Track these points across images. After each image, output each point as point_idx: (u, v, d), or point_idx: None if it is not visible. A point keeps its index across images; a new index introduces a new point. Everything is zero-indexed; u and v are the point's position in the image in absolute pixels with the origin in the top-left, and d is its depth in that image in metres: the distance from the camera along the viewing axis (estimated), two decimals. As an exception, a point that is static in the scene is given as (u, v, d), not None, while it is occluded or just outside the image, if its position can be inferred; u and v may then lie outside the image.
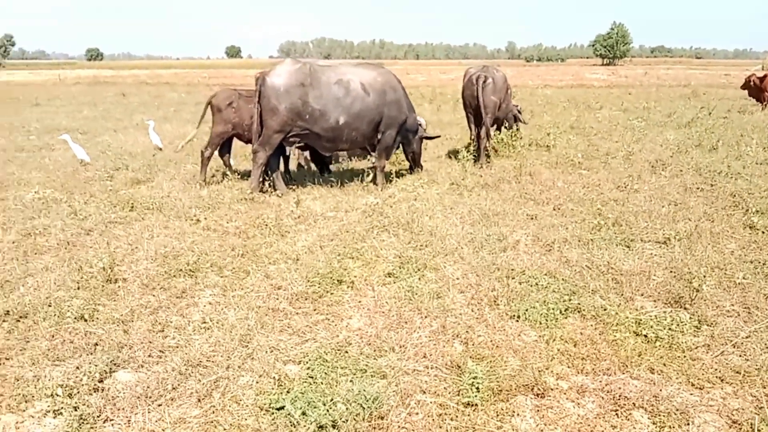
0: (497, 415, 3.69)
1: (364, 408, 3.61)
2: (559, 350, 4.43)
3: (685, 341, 4.54)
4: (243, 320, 4.84)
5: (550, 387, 3.98)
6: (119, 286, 5.58)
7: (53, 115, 20.64)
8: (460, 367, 4.15)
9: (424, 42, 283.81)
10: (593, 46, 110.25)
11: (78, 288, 5.48)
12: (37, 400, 3.79)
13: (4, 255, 6.34)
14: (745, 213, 7.62)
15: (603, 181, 9.51)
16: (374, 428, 3.54)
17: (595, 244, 6.57)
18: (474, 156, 11.20)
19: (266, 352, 4.38)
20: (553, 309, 4.97)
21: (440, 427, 3.57)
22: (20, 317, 4.89)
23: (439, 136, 10.77)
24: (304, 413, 3.55)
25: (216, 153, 10.02)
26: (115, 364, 4.19)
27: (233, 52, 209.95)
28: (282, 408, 3.62)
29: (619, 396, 3.88)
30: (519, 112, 13.30)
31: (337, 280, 5.58)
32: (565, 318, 4.94)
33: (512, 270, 5.81)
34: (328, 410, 3.57)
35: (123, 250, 6.53)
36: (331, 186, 9.44)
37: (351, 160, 11.97)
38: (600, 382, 4.06)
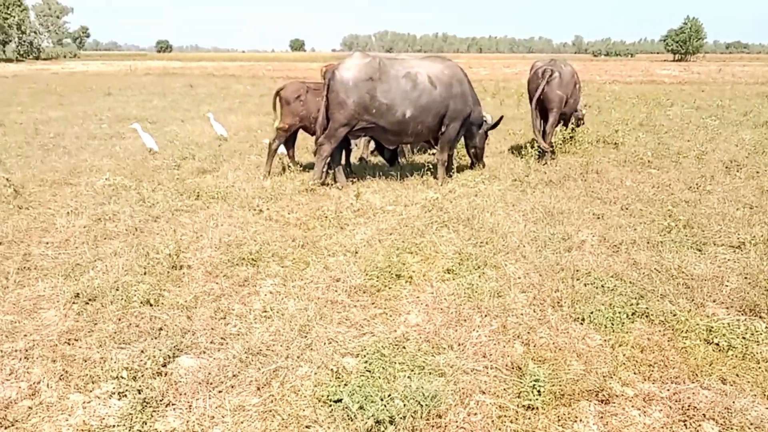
0: (558, 420, 3.57)
1: (422, 405, 3.56)
2: (625, 356, 4.27)
3: (761, 351, 4.30)
4: (302, 311, 4.86)
5: (615, 393, 3.83)
6: (184, 273, 5.71)
7: (124, 105, 21.40)
8: (521, 368, 4.04)
9: (487, 35, 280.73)
10: (664, 41, 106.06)
11: (144, 273, 5.63)
12: (103, 381, 3.90)
13: (76, 239, 6.58)
14: (829, 218, 7.17)
15: (674, 181, 9.13)
16: (432, 427, 3.48)
17: (665, 246, 6.32)
18: (538, 152, 10.95)
19: (325, 343, 4.38)
20: (619, 313, 4.79)
21: (499, 429, 3.49)
22: (89, 300, 5.05)
23: (501, 117, 10.48)
24: (361, 407, 3.53)
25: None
26: (178, 350, 4.28)
27: (297, 46, 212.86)
28: (339, 401, 3.61)
29: (689, 406, 3.70)
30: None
31: (396, 275, 5.54)
32: (632, 323, 4.75)
33: (577, 271, 5.63)
34: (385, 405, 3.54)
35: (188, 238, 6.68)
36: (391, 179, 9.40)
37: (413, 153, 11.90)
38: (668, 390, 3.89)
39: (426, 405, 3.57)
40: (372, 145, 10.99)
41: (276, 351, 4.27)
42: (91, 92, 27.25)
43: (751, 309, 4.94)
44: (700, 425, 3.55)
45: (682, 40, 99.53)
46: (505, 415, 3.60)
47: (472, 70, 45.70)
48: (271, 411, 3.63)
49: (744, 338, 4.45)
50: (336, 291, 5.31)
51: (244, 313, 4.89)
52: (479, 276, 5.58)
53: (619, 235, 6.63)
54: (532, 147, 10.60)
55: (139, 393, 3.72)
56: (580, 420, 3.59)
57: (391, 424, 3.46)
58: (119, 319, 4.76)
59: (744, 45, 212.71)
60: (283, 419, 3.56)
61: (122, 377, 3.85)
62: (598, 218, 7.35)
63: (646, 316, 4.83)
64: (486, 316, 4.84)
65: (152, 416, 3.57)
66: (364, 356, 4.17)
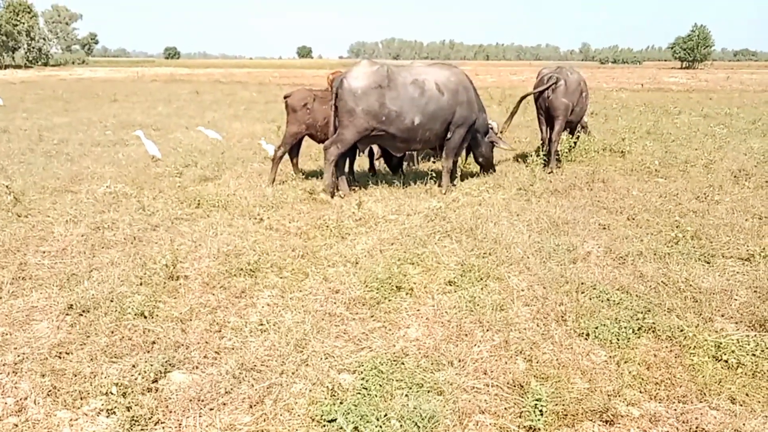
0: (561, 442, 3.44)
1: (419, 427, 3.43)
2: (630, 373, 4.13)
3: (772, 369, 4.15)
4: (299, 324, 4.75)
5: (620, 414, 3.69)
6: (180, 284, 5.61)
7: (129, 111, 21.40)
8: (522, 386, 3.91)
9: (494, 43, 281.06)
10: (672, 48, 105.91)
11: (140, 284, 5.53)
12: (92, 397, 3.80)
13: (73, 248, 6.49)
14: (841, 230, 7.01)
15: (681, 191, 8.98)
16: (429, 448, 3.36)
17: (672, 258, 6.17)
18: (544, 160, 10.83)
19: (321, 358, 4.26)
20: (625, 328, 4.65)
21: (499, 452, 3.36)
22: (83, 311, 4.95)
23: (513, 149, 10.57)
24: (356, 428, 3.41)
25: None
26: (170, 364, 4.17)
27: (304, 53, 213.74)
28: (334, 420, 3.49)
29: (696, 427, 3.57)
30: None
31: (396, 287, 5.42)
32: (638, 338, 4.61)
33: (582, 283, 5.49)
34: (381, 426, 3.42)
35: (187, 247, 6.58)
36: (394, 187, 9.28)
37: (418, 162, 11.78)
38: (675, 410, 3.75)
39: (423, 426, 3.44)
40: (377, 151, 10.88)
41: (271, 366, 4.15)
42: (97, 98, 27.29)
43: (761, 324, 4.79)
44: (709, 448, 3.40)
45: (689, 47, 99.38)
46: (505, 437, 3.47)
47: (478, 77, 45.69)
48: (263, 431, 3.51)
49: (754, 355, 4.30)
50: (335, 303, 5.19)
51: (239, 326, 4.77)
52: (482, 288, 5.45)
53: (625, 247, 6.49)
54: (538, 155, 10.47)
55: (128, 410, 3.61)
56: (584, 442, 3.46)
57: (387, 445, 3.34)
58: (112, 332, 4.66)
59: (752, 53, 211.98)
60: (275, 439, 3.44)
61: (111, 393, 3.74)
62: (604, 229, 7.21)
63: (653, 331, 4.69)
64: (488, 330, 4.71)
65: (140, 435, 3.46)
66: (361, 373, 4.04)
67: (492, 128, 10.27)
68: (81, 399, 3.80)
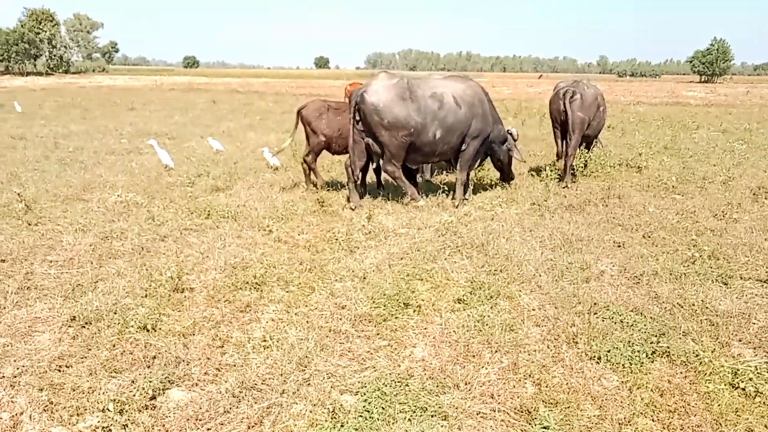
0: (570, 473, 3.30)
1: (421, 453, 3.31)
2: (643, 400, 3.97)
3: (793, 399, 3.97)
4: (303, 341, 4.65)
5: (633, 443, 3.54)
6: (185, 296, 5.54)
7: (146, 120, 21.53)
8: (530, 412, 3.77)
9: (512, 55, 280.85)
10: (691, 62, 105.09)
11: (145, 296, 5.47)
12: (89, 413, 3.72)
13: (81, 258, 6.45)
14: None
15: (699, 208, 8.78)
16: (431, 476, 3.23)
17: (688, 279, 5.99)
18: (559, 174, 10.68)
19: (323, 378, 4.16)
20: (638, 351, 4.49)
21: (504, 482, 3.23)
22: (86, 323, 4.90)
23: (524, 161, 10.63)
24: (356, 453, 3.29)
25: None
26: (169, 381, 4.08)
27: (322, 63, 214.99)
28: (333, 444, 3.38)
29: (713, 460, 3.41)
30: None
31: (404, 303, 5.30)
32: (652, 362, 4.45)
33: (595, 304, 5.34)
34: (381, 452, 3.30)
35: (194, 259, 6.52)
36: (405, 200, 9.17)
37: (431, 174, 11.69)
38: (690, 441, 3.59)
39: (426, 453, 3.32)
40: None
41: (271, 385, 4.05)
42: (115, 107, 27.53)
43: (782, 350, 4.61)
44: (725, 483, 3.25)
45: (709, 61, 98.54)
46: (511, 466, 3.34)
47: (495, 89, 45.68)
48: (260, 453, 3.41)
49: (773, 383, 4.12)
50: (340, 319, 5.09)
51: (242, 342, 4.68)
52: (491, 307, 5.31)
53: (640, 266, 6.32)
54: (552, 170, 10.33)
55: (124, 429, 3.54)
56: (594, 473, 3.31)
57: (388, 472, 3.22)
58: (113, 346, 4.59)
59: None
60: (272, 463, 3.33)
61: (108, 410, 3.67)
62: (619, 247, 7.04)
63: (667, 356, 4.53)
64: (496, 351, 4.57)
65: (135, 455, 3.37)
66: (364, 394, 3.93)
67: (511, 134, 10.16)
68: (78, 415, 3.73)
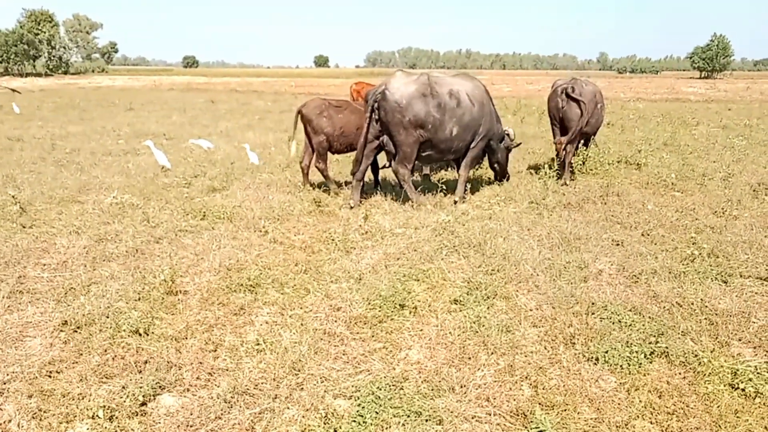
0: (566, 478, 3.24)
1: (414, 459, 3.26)
2: (641, 402, 3.91)
3: (793, 400, 3.91)
4: (297, 344, 4.59)
5: (630, 447, 3.49)
6: (179, 299, 5.48)
7: (144, 120, 21.46)
8: (526, 415, 3.72)
9: (511, 52, 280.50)
10: (691, 58, 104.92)
11: (138, 299, 5.41)
12: (78, 420, 3.67)
13: (74, 261, 6.40)
14: None
15: (698, 206, 8.72)
16: (425, 483, 3.17)
17: (687, 277, 5.93)
18: (557, 172, 10.61)
19: (317, 382, 4.10)
20: (636, 352, 4.43)
21: (499, 488, 3.17)
22: (77, 328, 4.84)
23: (520, 143, 10.54)
24: (348, 459, 3.24)
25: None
26: (160, 386, 4.02)
27: (321, 62, 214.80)
28: (325, 451, 3.32)
29: (712, 463, 3.35)
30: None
31: (399, 305, 5.24)
32: (650, 363, 4.39)
33: (593, 304, 5.28)
34: (374, 458, 3.24)
35: (188, 261, 6.46)
36: (402, 200, 9.10)
37: (431, 172, 11.63)
38: (689, 444, 3.53)
39: (419, 458, 3.26)
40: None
41: (264, 390, 3.99)
42: (114, 107, 27.46)
43: (782, 350, 4.55)
44: (724, 487, 3.19)
45: (708, 57, 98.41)
46: (506, 471, 3.28)
47: (494, 87, 45.62)
48: (251, 460, 3.35)
49: (773, 384, 4.06)
50: (335, 322, 5.03)
51: (235, 346, 4.62)
52: (488, 308, 5.25)
53: (638, 264, 6.26)
54: (551, 168, 10.26)
55: (113, 436, 3.47)
56: (590, 478, 3.25)
57: (380, 479, 3.16)
58: (105, 350, 4.53)
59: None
60: (263, 470, 3.28)
61: (98, 416, 3.63)
62: (618, 245, 6.98)
63: (666, 356, 4.47)
64: (492, 353, 4.51)
65: (124, 463, 3.31)
66: (358, 398, 3.87)
67: (508, 134, 10.12)
68: (67, 422, 3.67)
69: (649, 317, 5.06)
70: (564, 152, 10.64)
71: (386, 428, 3.57)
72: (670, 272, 6.06)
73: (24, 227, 7.58)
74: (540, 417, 3.57)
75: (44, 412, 3.77)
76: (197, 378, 4.18)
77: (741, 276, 6.01)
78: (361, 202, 9.05)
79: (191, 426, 3.62)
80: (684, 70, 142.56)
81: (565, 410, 3.79)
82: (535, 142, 15.51)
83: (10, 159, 12.67)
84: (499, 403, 3.88)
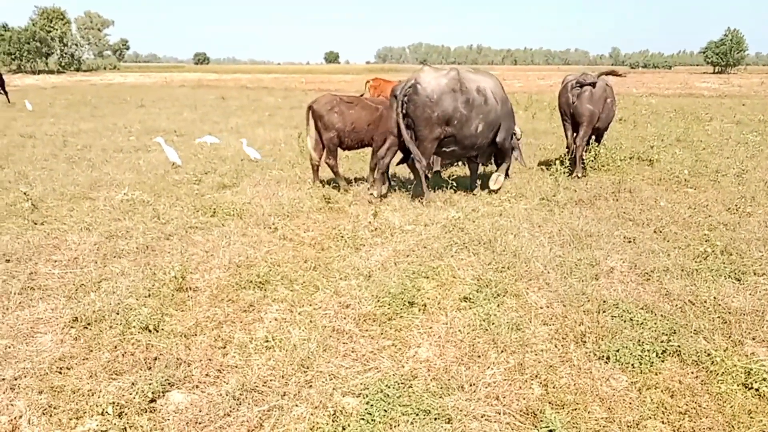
0: (577, 478, 3.21)
1: (423, 458, 3.24)
2: (653, 401, 3.87)
3: (808, 400, 3.86)
4: (306, 341, 4.58)
5: (642, 447, 3.45)
6: (189, 296, 5.49)
7: (155, 117, 21.54)
8: (536, 414, 3.69)
9: (522, 47, 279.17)
10: (704, 53, 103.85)
11: (148, 296, 5.43)
12: (87, 417, 3.68)
13: (85, 257, 6.42)
14: None
15: (711, 202, 8.63)
16: (433, 482, 3.15)
17: (700, 275, 5.86)
18: (568, 169, 10.54)
19: (325, 379, 4.09)
20: (648, 351, 4.38)
21: (509, 487, 3.14)
22: (88, 324, 4.86)
23: (527, 167, 10.68)
24: (356, 458, 3.22)
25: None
26: (170, 383, 4.03)
27: (332, 58, 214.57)
28: (334, 449, 3.31)
29: (725, 463, 3.30)
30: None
31: (409, 302, 5.22)
32: (662, 362, 4.34)
33: (604, 302, 5.23)
34: (383, 457, 3.22)
35: (198, 257, 6.47)
36: (411, 196, 9.07)
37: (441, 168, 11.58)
38: (702, 444, 3.49)
39: (428, 457, 3.24)
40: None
41: (273, 387, 3.99)
42: (125, 104, 27.60)
43: (797, 349, 4.48)
44: (737, 488, 3.14)
45: (722, 51, 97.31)
46: (516, 470, 3.25)
47: (506, 82, 45.17)
48: (259, 458, 3.35)
49: (788, 383, 4.01)
50: (344, 319, 5.01)
51: (244, 342, 4.62)
52: (498, 305, 5.22)
53: (651, 262, 6.20)
54: (562, 164, 10.19)
55: (123, 432, 3.48)
56: (601, 478, 3.22)
57: (389, 478, 3.14)
58: (115, 347, 4.55)
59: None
60: (271, 468, 3.27)
61: (107, 413, 3.63)
62: (629, 242, 6.91)
63: (678, 355, 4.42)
64: (502, 351, 4.48)
65: (132, 460, 3.32)
66: (366, 396, 3.86)
67: (515, 134, 10.05)
68: (76, 419, 3.68)
69: (661, 315, 5.01)
70: (575, 147, 10.57)
71: (395, 426, 3.55)
72: (682, 270, 5.99)
73: (35, 224, 7.62)
74: (550, 416, 3.54)
75: (54, 408, 3.78)
76: (206, 375, 4.18)
77: (755, 274, 5.93)
78: (383, 196, 9.05)
79: (200, 423, 3.62)
80: (697, 65, 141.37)
81: (576, 409, 3.76)
82: (546, 138, 15.43)
83: (23, 156, 12.76)
84: (509, 401, 3.85)
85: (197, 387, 4.04)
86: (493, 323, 4.85)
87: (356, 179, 10.56)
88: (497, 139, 9.21)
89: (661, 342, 4.53)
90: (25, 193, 8.31)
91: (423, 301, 5.32)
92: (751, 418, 3.70)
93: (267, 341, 4.61)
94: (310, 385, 4.02)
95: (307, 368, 4.23)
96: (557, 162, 10.39)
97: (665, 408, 3.80)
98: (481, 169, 10.22)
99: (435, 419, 3.62)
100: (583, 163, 10.75)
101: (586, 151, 10.88)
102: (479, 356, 4.41)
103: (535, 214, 8.06)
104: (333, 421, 3.61)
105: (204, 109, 24.98)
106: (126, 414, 3.67)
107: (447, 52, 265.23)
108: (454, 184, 9.38)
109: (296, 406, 3.80)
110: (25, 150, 13.64)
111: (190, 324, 4.92)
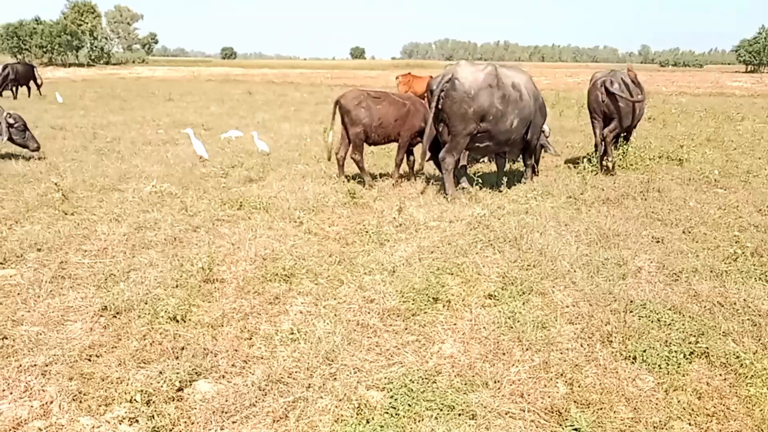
0: (601, 478, 3.18)
1: (447, 453, 3.24)
2: (680, 403, 3.82)
3: (840, 405, 3.77)
4: (330, 334, 4.60)
5: (668, 449, 3.41)
6: (216, 287, 5.55)
7: (183, 110, 21.77)
8: (561, 413, 3.66)
9: (550, 44, 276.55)
10: (737, 51, 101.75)
11: (176, 286, 5.49)
12: (116, 404, 3.74)
13: (114, 248, 6.53)
14: None
15: (742, 203, 8.48)
16: (457, 477, 3.15)
17: (729, 276, 5.77)
18: (596, 167, 10.43)
19: (350, 373, 4.11)
20: (675, 352, 4.33)
21: (533, 485, 3.13)
22: (117, 313, 4.94)
23: (559, 154, 10.61)
24: (380, 451, 3.23)
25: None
26: (196, 373, 4.08)
27: (357, 53, 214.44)
28: (358, 442, 3.33)
29: (754, 468, 3.25)
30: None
31: (433, 298, 5.22)
32: (690, 363, 4.28)
33: (631, 302, 5.17)
34: (407, 451, 3.23)
35: (225, 250, 6.54)
36: (437, 192, 9.05)
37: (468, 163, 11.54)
38: (730, 448, 3.44)
39: (452, 453, 3.24)
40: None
41: (298, 379, 4.02)
42: (153, 97, 27.92)
43: (829, 353, 4.39)
44: (767, 493, 3.10)
45: (755, 50, 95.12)
46: (540, 468, 3.24)
47: (533, 79, 44.84)
48: (284, 448, 3.38)
49: (819, 388, 3.93)
50: (368, 313, 5.03)
51: (270, 334, 4.66)
52: (523, 303, 5.19)
53: (679, 262, 6.11)
54: (590, 162, 10.09)
55: (151, 420, 3.54)
56: (627, 479, 3.19)
57: (413, 472, 3.15)
58: (143, 336, 4.62)
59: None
60: (296, 459, 3.30)
61: (136, 401, 3.68)
62: (658, 242, 6.83)
63: (706, 357, 4.36)
64: (527, 349, 4.46)
65: (160, 447, 3.37)
66: (390, 390, 3.87)
67: (543, 131, 9.99)
68: (105, 405, 3.75)
69: (690, 317, 4.94)
70: (603, 138, 10.51)
71: (419, 421, 3.56)
72: (711, 271, 5.90)
73: (66, 214, 7.76)
74: (575, 415, 3.52)
75: (84, 394, 3.85)
76: (232, 365, 4.23)
77: (786, 276, 5.82)
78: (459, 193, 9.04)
79: (226, 412, 3.66)
80: (729, 64, 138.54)
81: (601, 409, 3.73)
82: (573, 136, 15.29)
83: (53, 147, 12.98)
84: (534, 399, 3.84)
85: (224, 377, 4.08)
86: (518, 321, 4.82)
87: (381, 175, 10.56)
88: (527, 136, 9.17)
89: (689, 343, 4.48)
90: (56, 184, 8.46)
91: (447, 297, 5.32)
92: (781, 422, 3.63)
93: (292, 333, 4.65)
94: (335, 378, 4.04)
95: (332, 361, 4.25)
96: (584, 160, 10.30)
97: (692, 410, 3.75)
98: (507, 166, 10.16)
99: (459, 415, 3.62)
100: (612, 161, 10.63)
101: (615, 148, 10.77)
102: (504, 353, 4.40)
103: (562, 212, 8.00)
104: (357, 414, 3.62)
105: (231, 104, 25.18)
106: (154, 402, 3.72)
107: (474, 48, 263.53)
108: (480, 180, 9.34)
109: (321, 398, 3.82)
110: (55, 141, 13.89)
111: (217, 315, 4.98)
